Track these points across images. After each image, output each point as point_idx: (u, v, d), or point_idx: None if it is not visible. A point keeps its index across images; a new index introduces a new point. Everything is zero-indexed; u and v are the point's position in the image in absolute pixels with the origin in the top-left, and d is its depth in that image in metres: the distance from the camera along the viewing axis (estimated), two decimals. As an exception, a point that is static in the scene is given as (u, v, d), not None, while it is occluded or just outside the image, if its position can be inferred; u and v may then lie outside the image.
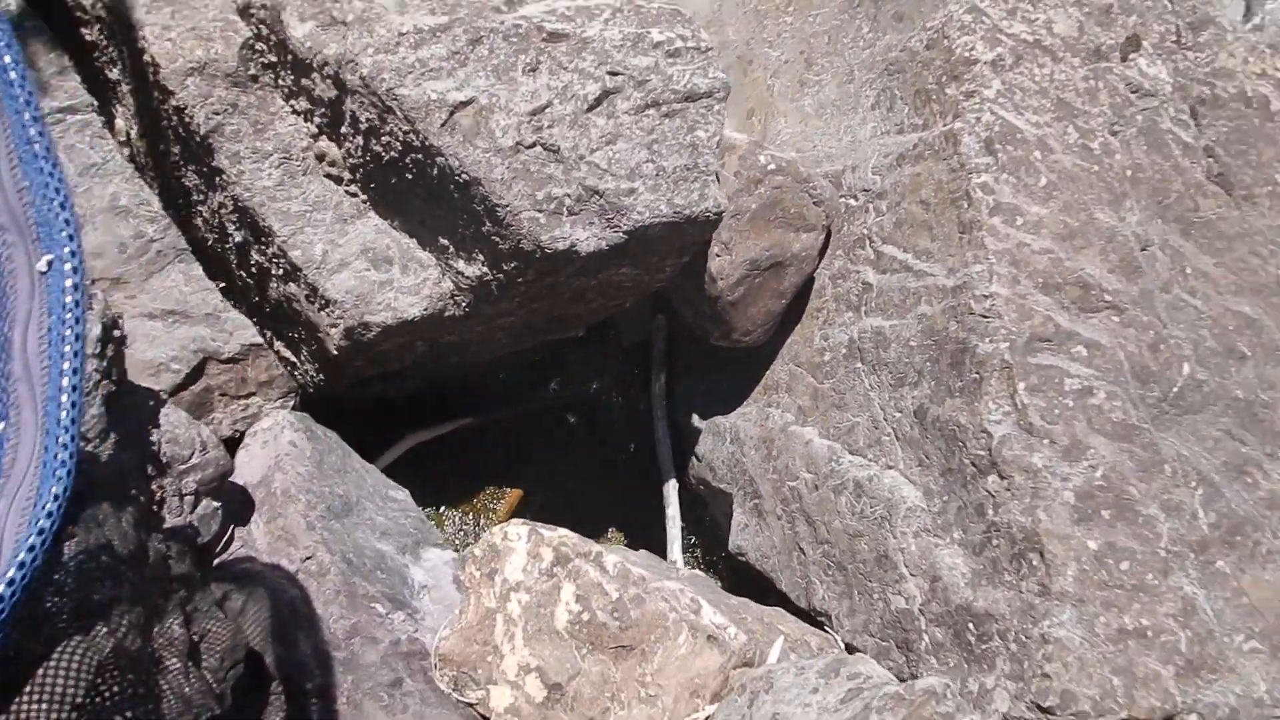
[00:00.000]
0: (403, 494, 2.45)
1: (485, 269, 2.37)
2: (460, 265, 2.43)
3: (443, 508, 3.17)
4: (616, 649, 2.04)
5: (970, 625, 2.17)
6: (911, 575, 2.34)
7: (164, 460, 1.78)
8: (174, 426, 1.83)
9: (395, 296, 2.48)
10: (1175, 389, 2.30)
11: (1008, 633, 2.10)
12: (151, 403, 1.82)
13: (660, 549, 3.12)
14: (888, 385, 2.52)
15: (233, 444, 2.34)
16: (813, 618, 2.62)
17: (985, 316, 2.29)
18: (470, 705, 2.03)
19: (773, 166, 2.59)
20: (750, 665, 2.12)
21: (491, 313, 2.57)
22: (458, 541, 3.08)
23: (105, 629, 1.33)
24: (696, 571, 3.04)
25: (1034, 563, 2.09)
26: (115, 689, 1.26)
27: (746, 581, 2.88)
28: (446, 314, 2.53)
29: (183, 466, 1.81)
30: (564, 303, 2.66)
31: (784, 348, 2.90)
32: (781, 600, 2.70)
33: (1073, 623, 2.03)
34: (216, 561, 1.91)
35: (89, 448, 1.54)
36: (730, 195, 2.52)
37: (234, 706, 1.54)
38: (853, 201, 2.74)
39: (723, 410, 3.08)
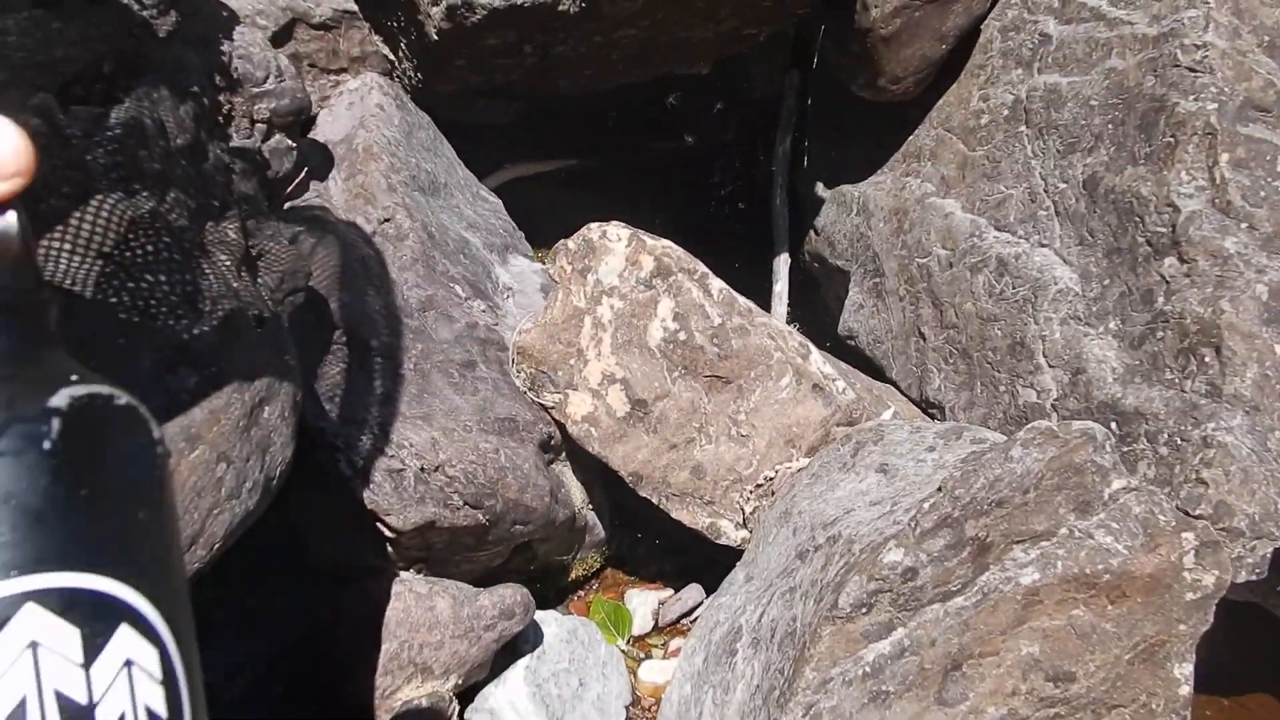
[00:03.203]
0: (495, 199, 2.23)
1: (610, -47, 2.07)
2: (584, -55, 2.12)
3: (540, 251, 2.96)
4: (711, 379, 1.83)
5: (1113, 424, 1.90)
6: (1050, 366, 2.06)
7: (235, 76, 1.57)
8: (249, 45, 1.60)
9: (508, -25, 2.19)
10: None
11: (1159, 435, 1.82)
12: (225, 14, 1.60)
13: (760, 325, 2.87)
14: (1054, 152, 2.19)
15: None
16: (925, 410, 2.37)
17: (1193, 71, 1.94)
18: (545, 409, 1.84)
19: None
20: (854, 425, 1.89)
21: (611, 14, 2.27)
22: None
23: (146, 194, 1.14)
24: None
25: (1206, 359, 1.80)
26: (150, 249, 1.08)
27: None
28: (560, 7, 2.24)
29: (255, 89, 1.59)
30: (693, 17, 2.34)
31: (933, 110, 2.55)
32: (890, 390, 2.46)
33: (1243, 430, 1.75)
34: (288, 205, 1.72)
35: (143, 12, 1.32)
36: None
37: (292, 345, 1.36)
38: (1037, -61, 2.34)
39: (853, 179, 2.77)
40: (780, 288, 2.92)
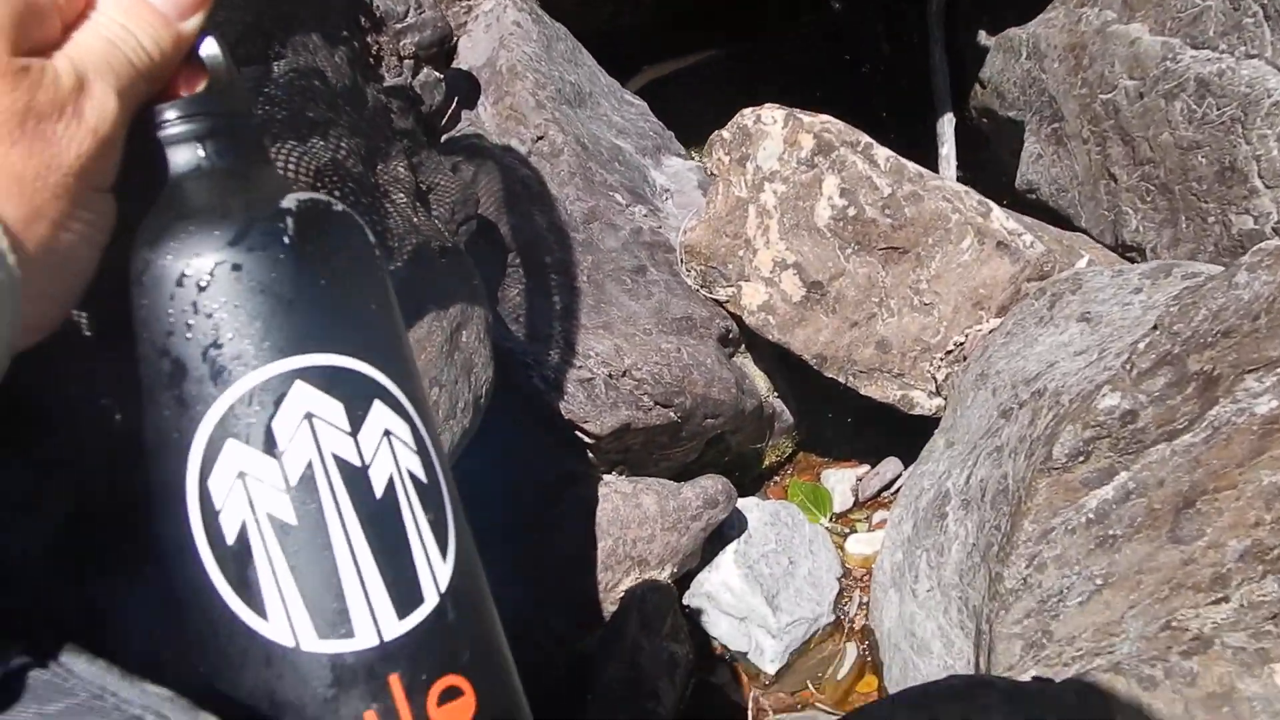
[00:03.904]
0: (640, 102, 2.21)
1: None
2: None
3: (693, 147, 2.92)
4: (887, 250, 1.77)
5: (1341, 240, 1.73)
6: (1268, 188, 1.89)
7: (378, 15, 1.60)
8: (386, -18, 1.63)
9: None
10: None
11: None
12: (362, -47, 1.63)
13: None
14: (1255, -54, 1.97)
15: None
16: (1122, 254, 2.23)
17: None
18: (720, 303, 1.85)
19: None
20: (1046, 279, 1.80)
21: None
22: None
23: (322, 143, 1.19)
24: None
25: None
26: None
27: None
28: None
29: (398, 25, 1.62)
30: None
31: (1104, -71, 2.34)
32: (1082, 240, 2.32)
33: None
34: (444, 138, 1.77)
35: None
36: None
37: (476, 270, 1.41)
38: None
39: (1018, 21, 2.58)
40: (947, 150, 2.78)
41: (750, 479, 2.06)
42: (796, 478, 2.12)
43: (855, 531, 1.99)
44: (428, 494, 0.49)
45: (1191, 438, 1.21)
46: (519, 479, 1.59)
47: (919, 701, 0.94)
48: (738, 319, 1.85)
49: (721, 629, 1.75)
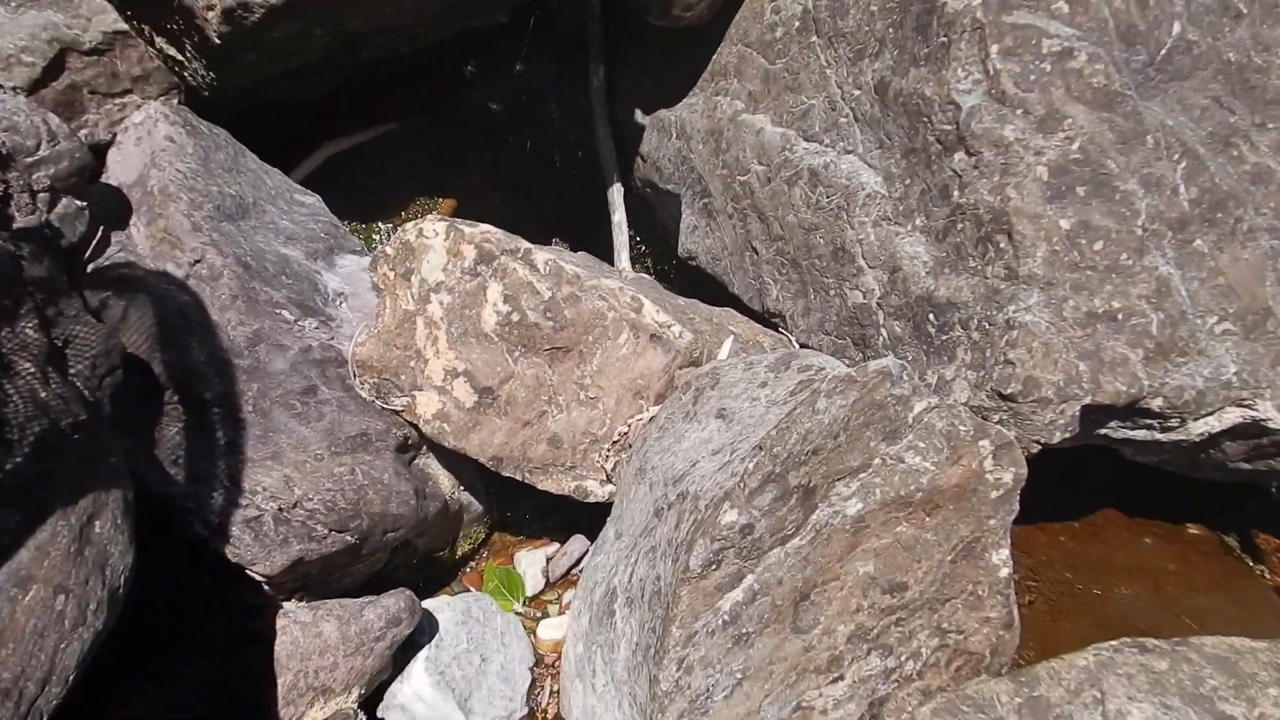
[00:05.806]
0: (312, 198, 2.20)
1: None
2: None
3: (376, 222, 2.91)
4: (551, 351, 1.89)
5: (930, 316, 2.04)
6: (870, 267, 2.18)
7: (4, 152, 1.51)
8: (11, 114, 1.54)
9: (279, -33, 2.11)
10: (1163, 51, 2.07)
11: (970, 321, 1.97)
12: (-22, 83, 1.52)
13: (609, 258, 2.93)
14: (846, 59, 2.27)
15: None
16: (767, 320, 2.50)
17: (957, -31, 2.02)
18: (396, 413, 1.88)
19: None
20: (698, 365, 1.98)
21: (393, -12, 2.22)
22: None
23: (-74, 327, 1.12)
24: (642, 275, 2.88)
25: (1001, 245, 1.94)
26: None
27: (699, 287, 2.73)
28: (340, -8, 2.18)
29: (29, 159, 1.54)
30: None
31: (731, 27, 2.60)
32: (735, 305, 2.56)
33: (1040, 307, 1.90)
34: (92, 267, 1.68)
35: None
36: None
37: (123, 417, 1.37)
38: None
39: (668, 103, 2.80)
40: (619, 217, 2.96)
41: (444, 571, 2.11)
42: (491, 561, 2.20)
43: (547, 615, 2.09)
44: None
45: (800, 540, 1.40)
46: (189, 630, 1.56)
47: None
48: (415, 426, 1.90)
49: (417, 737, 1.78)
